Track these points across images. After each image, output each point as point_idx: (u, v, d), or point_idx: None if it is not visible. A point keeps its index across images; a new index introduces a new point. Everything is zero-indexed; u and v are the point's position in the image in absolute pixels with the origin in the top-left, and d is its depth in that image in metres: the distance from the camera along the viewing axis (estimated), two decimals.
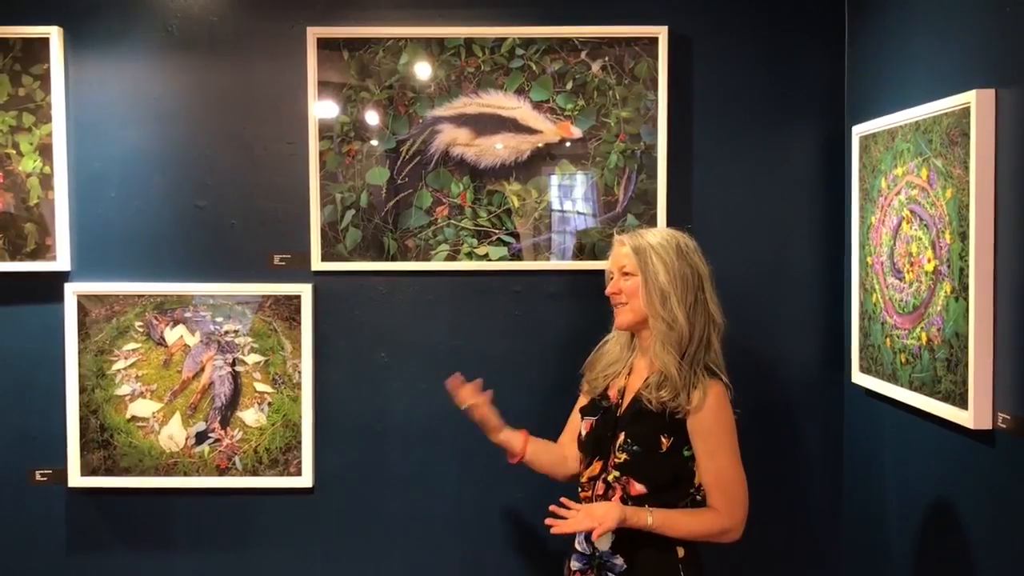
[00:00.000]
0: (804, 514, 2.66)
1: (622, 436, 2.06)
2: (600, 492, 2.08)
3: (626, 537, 2.01)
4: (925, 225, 2.06)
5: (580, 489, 2.15)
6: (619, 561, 2.03)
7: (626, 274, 2.11)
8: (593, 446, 2.13)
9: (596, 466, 2.11)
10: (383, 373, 2.65)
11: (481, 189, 2.62)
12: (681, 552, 2.03)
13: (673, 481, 2.04)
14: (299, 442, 2.62)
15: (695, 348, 2.05)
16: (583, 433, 2.18)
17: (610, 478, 2.07)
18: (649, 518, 1.97)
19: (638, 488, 2.03)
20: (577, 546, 2.12)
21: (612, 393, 2.16)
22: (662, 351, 2.04)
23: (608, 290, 2.15)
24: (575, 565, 2.11)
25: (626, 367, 2.19)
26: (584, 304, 2.61)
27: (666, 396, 2.02)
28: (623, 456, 2.05)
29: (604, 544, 2.05)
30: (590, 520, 1.95)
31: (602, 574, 2.06)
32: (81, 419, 2.61)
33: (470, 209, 2.62)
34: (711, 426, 2.02)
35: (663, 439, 2.03)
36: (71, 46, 2.59)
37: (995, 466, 1.85)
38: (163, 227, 2.62)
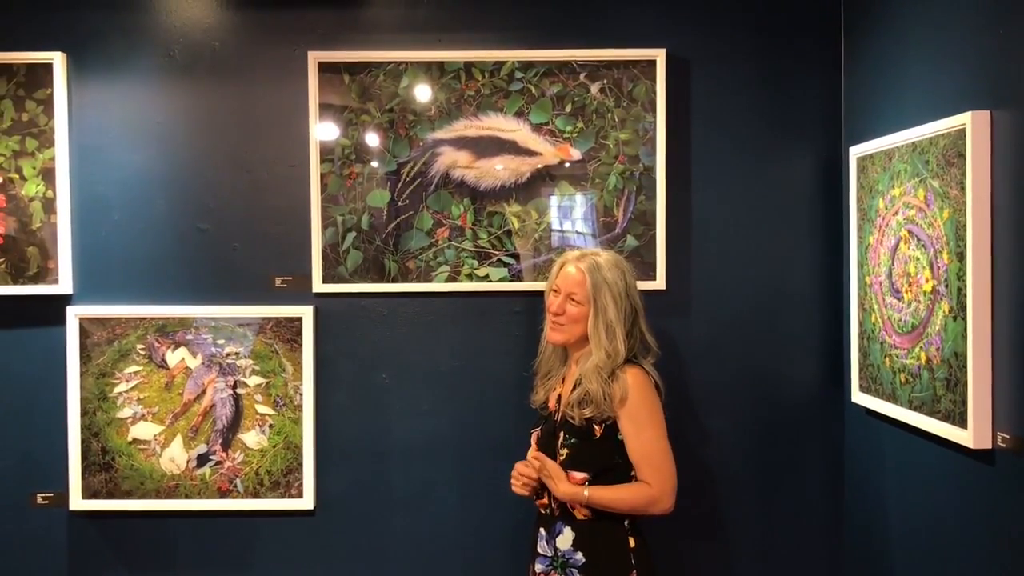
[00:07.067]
0: (805, 533, 2.66)
1: (561, 435, 2.19)
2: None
3: (585, 534, 2.17)
4: (923, 245, 2.07)
5: (536, 496, 2.27)
6: (579, 556, 2.17)
7: (575, 301, 2.22)
8: (542, 453, 2.25)
9: None
10: (384, 394, 2.66)
11: (481, 211, 2.63)
12: (632, 543, 2.18)
13: (612, 465, 2.17)
14: (300, 464, 2.62)
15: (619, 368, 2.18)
16: (533, 443, 2.31)
17: None
18: (585, 491, 2.14)
19: (579, 477, 2.16)
20: (539, 549, 2.25)
21: (551, 403, 2.31)
22: (594, 375, 2.17)
23: (553, 309, 2.26)
24: (539, 567, 2.25)
25: (560, 376, 2.33)
26: None
27: (588, 413, 2.16)
28: (565, 451, 2.18)
29: (565, 544, 2.19)
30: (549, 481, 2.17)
31: (566, 571, 2.18)
32: (82, 442, 2.61)
33: (470, 231, 2.64)
34: (633, 408, 2.15)
35: (596, 427, 2.17)
36: (74, 71, 2.61)
37: (995, 485, 1.85)
38: (165, 250, 2.64)
